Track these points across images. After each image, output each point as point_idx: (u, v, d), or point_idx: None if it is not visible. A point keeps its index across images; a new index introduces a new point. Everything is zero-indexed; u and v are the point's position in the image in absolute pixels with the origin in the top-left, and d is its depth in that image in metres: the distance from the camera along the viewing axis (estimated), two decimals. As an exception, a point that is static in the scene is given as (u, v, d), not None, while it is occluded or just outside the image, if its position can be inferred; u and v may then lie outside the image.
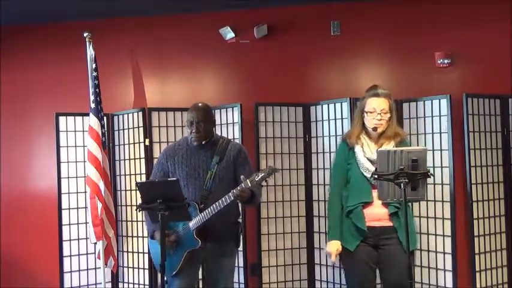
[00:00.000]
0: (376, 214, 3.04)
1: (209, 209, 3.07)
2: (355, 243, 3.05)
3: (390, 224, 3.03)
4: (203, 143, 3.21)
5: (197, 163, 3.22)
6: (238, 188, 2.98)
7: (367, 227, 3.02)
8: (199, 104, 3.27)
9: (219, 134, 4.36)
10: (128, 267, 4.49)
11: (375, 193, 3.02)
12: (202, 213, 3.07)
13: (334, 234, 3.11)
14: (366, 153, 3.08)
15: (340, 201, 3.13)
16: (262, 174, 2.96)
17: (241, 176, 3.00)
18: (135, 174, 4.43)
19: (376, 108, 3.07)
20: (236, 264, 4.25)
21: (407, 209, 3.00)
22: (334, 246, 3.09)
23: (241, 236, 3.42)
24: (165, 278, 3.20)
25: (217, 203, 3.04)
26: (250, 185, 2.96)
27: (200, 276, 3.43)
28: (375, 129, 3.07)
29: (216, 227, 3.12)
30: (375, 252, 3.06)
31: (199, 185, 3.17)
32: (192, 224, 3.11)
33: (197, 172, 3.20)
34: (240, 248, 4.23)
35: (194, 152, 3.24)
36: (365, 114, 3.11)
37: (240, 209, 3.48)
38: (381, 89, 3.13)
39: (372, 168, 3.01)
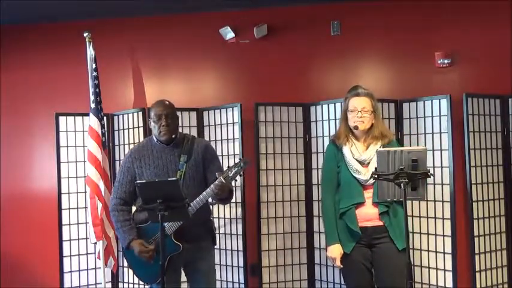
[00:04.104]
0: (368, 214, 3.06)
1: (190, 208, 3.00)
2: (351, 245, 3.06)
3: (381, 223, 3.05)
4: (173, 136, 3.14)
5: (165, 163, 3.14)
6: (217, 183, 2.93)
7: (360, 228, 3.04)
8: (166, 102, 3.21)
9: (220, 133, 4.39)
10: (128, 267, 4.48)
11: (366, 193, 3.07)
12: None
13: (333, 238, 3.11)
14: (354, 154, 3.11)
15: (333, 205, 3.14)
16: (236, 169, 2.92)
17: (216, 173, 2.95)
18: (135, 174, 4.43)
19: (357, 107, 3.12)
20: (236, 264, 4.28)
21: (394, 208, 3.04)
22: (336, 251, 3.08)
23: (216, 235, 3.36)
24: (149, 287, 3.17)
25: (194, 202, 2.99)
26: (224, 181, 2.91)
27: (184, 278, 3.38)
28: (355, 127, 3.12)
29: (190, 227, 3.06)
30: (369, 252, 3.08)
31: None
32: (168, 227, 3.04)
33: (166, 173, 3.12)
34: (240, 248, 4.25)
35: (160, 152, 3.16)
36: (348, 114, 3.15)
37: (212, 207, 3.39)
38: (361, 88, 3.18)
39: (362, 169, 3.07)
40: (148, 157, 3.17)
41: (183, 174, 3.11)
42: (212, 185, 2.98)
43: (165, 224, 3.03)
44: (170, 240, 3.05)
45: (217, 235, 3.45)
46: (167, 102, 3.21)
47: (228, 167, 2.99)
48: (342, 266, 3.10)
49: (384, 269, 3.02)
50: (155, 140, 3.19)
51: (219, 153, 4.05)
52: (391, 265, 2.97)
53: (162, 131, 3.12)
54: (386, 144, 3.12)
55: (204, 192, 3.00)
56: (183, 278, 3.32)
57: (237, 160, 4.08)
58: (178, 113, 4.41)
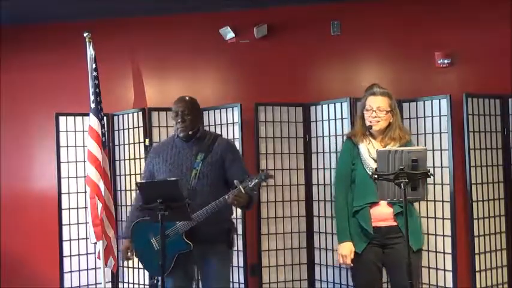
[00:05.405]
0: (382, 214, 3.03)
1: (200, 212, 2.99)
2: (363, 245, 3.04)
3: (395, 223, 3.02)
4: (190, 133, 3.14)
5: (181, 161, 3.14)
6: (234, 191, 2.91)
7: (373, 228, 3.01)
8: (187, 97, 3.22)
9: (220, 133, 4.38)
10: (127, 267, 4.49)
11: None
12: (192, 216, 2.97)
13: (345, 235, 3.08)
14: (371, 153, 3.07)
15: (346, 202, 3.11)
16: (256, 181, 2.89)
17: (235, 181, 2.91)
18: (135, 174, 4.43)
19: (373, 106, 3.09)
20: (236, 264, 4.28)
21: (408, 208, 3.01)
22: (347, 248, 3.05)
23: (235, 236, 3.31)
24: (158, 280, 3.17)
25: (209, 207, 2.97)
26: (243, 191, 2.88)
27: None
28: (370, 127, 3.08)
29: (203, 227, 3.01)
30: (382, 252, 3.06)
31: (184, 183, 3.03)
32: (181, 225, 3.03)
33: (180, 170, 3.11)
34: (240, 248, 4.25)
35: (179, 150, 3.17)
36: (364, 112, 3.13)
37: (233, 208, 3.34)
38: (378, 87, 3.15)
39: None
40: (167, 153, 3.20)
41: (197, 173, 3.10)
42: (230, 193, 2.94)
43: (178, 223, 3.03)
44: (180, 238, 3.03)
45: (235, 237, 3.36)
46: (187, 98, 3.22)
47: (249, 176, 2.96)
48: (351, 265, 3.08)
49: (399, 268, 2.96)
50: (177, 136, 3.21)
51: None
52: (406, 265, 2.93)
53: (178, 128, 3.15)
54: (403, 145, 3.06)
55: (217, 201, 2.97)
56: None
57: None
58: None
